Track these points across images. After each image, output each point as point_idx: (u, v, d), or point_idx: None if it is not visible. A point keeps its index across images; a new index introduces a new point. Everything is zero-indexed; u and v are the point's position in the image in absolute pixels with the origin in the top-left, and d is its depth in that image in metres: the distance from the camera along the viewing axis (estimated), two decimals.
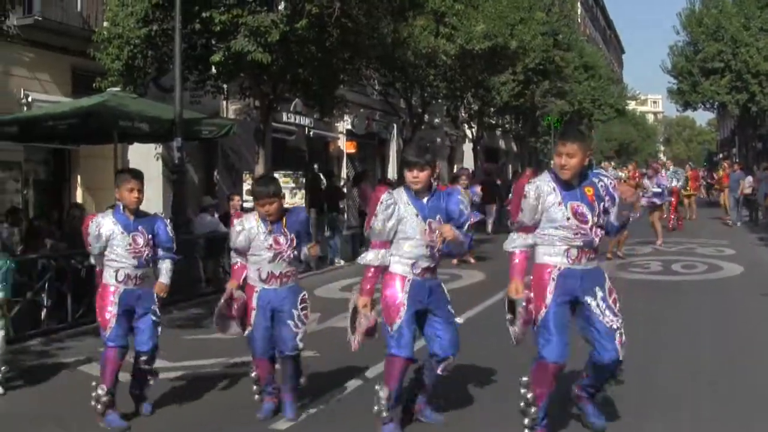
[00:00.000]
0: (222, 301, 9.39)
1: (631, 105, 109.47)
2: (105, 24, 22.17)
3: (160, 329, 9.78)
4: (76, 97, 21.90)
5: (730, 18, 55.72)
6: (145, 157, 24.44)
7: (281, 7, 21.29)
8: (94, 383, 9.22)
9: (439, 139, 51.75)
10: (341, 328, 13.90)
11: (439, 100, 40.58)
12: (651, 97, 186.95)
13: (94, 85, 21.16)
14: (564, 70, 50.18)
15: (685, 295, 17.38)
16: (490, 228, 32.43)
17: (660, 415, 8.93)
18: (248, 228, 9.16)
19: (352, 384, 10.35)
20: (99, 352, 12.45)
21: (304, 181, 25.02)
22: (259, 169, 23.29)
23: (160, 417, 9.44)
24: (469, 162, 51.00)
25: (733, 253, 24.71)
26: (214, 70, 22.29)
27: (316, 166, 31.89)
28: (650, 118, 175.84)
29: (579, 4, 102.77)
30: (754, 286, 18.42)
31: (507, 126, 60.23)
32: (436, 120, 48.87)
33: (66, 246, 16.81)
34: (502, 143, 64.94)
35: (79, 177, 24.48)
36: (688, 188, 40.66)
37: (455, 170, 44.77)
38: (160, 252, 9.79)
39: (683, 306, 16.17)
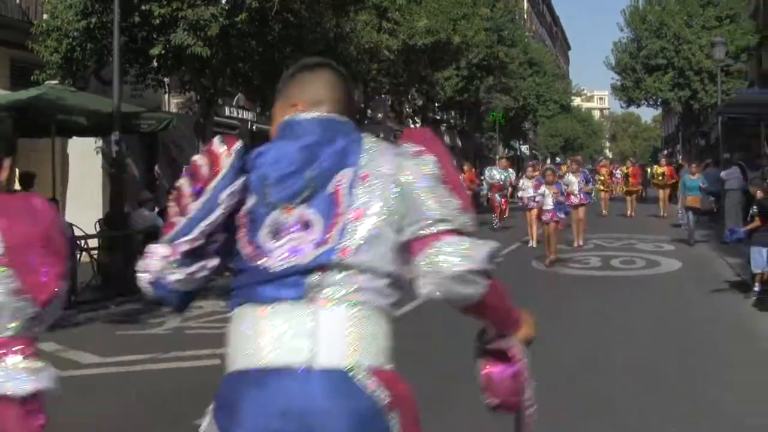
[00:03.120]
0: None
1: (577, 101, 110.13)
2: (45, 16, 22.03)
3: None
4: (15, 90, 21.63)
5: (673, 15, 56.21)
6: (85, 151, 24.29)
7: (224, 0, 21.24)
8: None
9: (382, 134, 51.79)
10: None
11: (382, 95, 40.64)
12: (597, 94, 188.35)
13: (32, 77, 20.99)
14: (509, 66, 50.46)
15: (622, 291, 17.55)
16: None
17: (594, 411, 9.00)
18: None
19: None
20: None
21: None
22: None
23: (86, 412, 9.35)
24: None
25: (673, 249, 25.00)
26: (155, 63, 22.21)
27: None
28: (596, 114, 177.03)
29: (525, 0, 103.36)
30: (689, 282, 18.79)
31: (452, 122, 60.41)
32: (379, 115, 48.97)
33: None
34: (447, 139, 65.06)
35: (17, 170, 24.25)
36: (630, 184, 40.96)
37: None
38: None
39: (618, 301, 16.37)
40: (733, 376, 10.36)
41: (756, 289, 15.88)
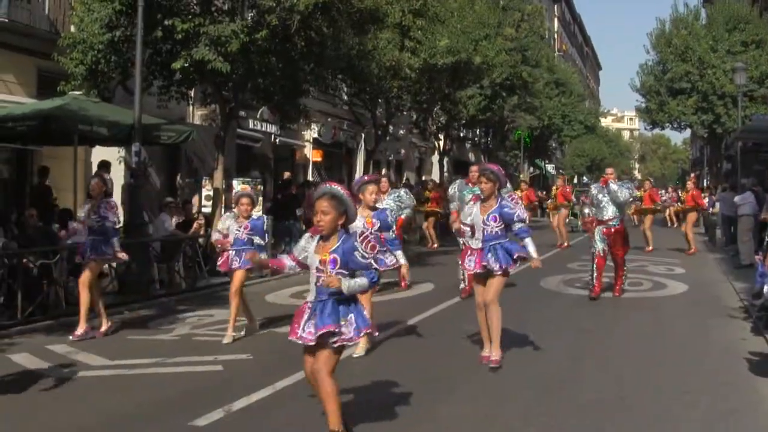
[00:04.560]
0: None
1: (607, 121, 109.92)
2: (72, 28, 22.53)
3: None
4: (41, 99, 22.11)
5: (699, 40, 56.19)
6: (108, 160, 24.74)
7: (249, 17, 21.65)
8: None
9: (403, 150, 52.20)
10: (282, 334, 14.40)
11: (405, 112, 40.95)
12: (628, 115, 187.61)
13: (58, 88, 21.47)
14: (534, 86, 50.69)
15: (620, 311, 17.85)
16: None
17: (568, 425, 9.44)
18: None
19: (279, 385, 10.75)
20: (46, 348, 13.06)
21: (262, 188, 25.33)
22: (218, 175, 23.67)
23: (88, 411, 9.83)
24: (436, 174, 51.48)
25: (683, 272, 25.12)
26: (179, 76, 22.61)
27: (287, 174, 32.19)
28: (626, 134, 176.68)
29: (556, 19, 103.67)
30: (689, 305, 18.99)
31: (476, 139, 60.64)
32: (401, 131, 49.29)
33: (17, 245, 17.11)
34: (471, 156, 65.36)
35: None
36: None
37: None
38: None
39: (613, 320, 16.75)
40: (698, 397, 10.73)
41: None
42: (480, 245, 12.08)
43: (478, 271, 12.07)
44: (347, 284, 7.97)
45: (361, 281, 8.06)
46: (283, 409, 9.68)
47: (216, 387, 10.80)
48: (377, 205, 13.18)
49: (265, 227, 14.83)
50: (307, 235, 8.43)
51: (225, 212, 23.59)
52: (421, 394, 10.33)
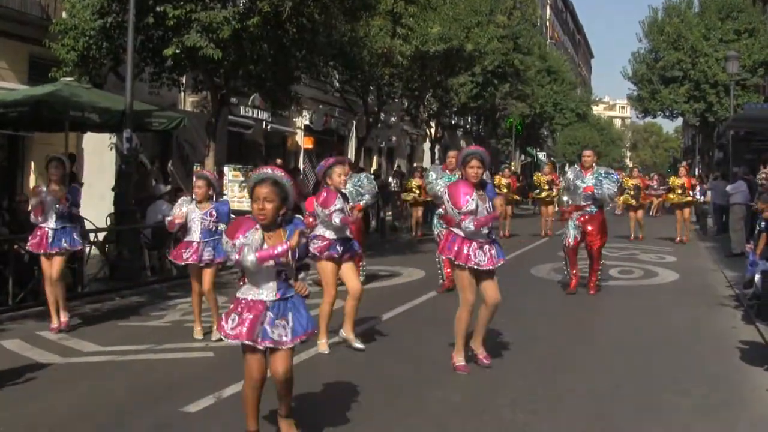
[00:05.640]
0: None
1: (599, 109, 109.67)
2: (63, 14, 22.49)
3: None
4: (33, 85, 22.08)
5: (691, 28, 56.31)
6: (99, 146, 24.72)
7: (241, 3, 21.62)
8: None
9: (394, 138, 52.17)
10: None
11: (396, 100, 40.90)
12: (620, 103, 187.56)
13: (49, 74, 21.44)
14: (526, 73, 50.67)
15: (612, 299, 17.87)
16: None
17: (562, 414, 9.45)
18: None
19: (269, 372, 10.72)
20: (37, 334, 13.03)
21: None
22: (209, 162, 23.63)
23: (79, 397, 9.82)
24: (427, 161, 51.46)
25: (674, 260, 25.16)
26: (170, 62, 22.58)
27: (279, 160, 32.14)
28: (618, 123, 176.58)
29: (548, 7, 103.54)
30: (680, 293, 18.99)
31: (467, 127, 60.61)
32: (392, 119, 49.25)
33: (8, 231, 17.09)
34: (462, 143, 65.30)
35: (32, 163, 24.72)
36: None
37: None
38: None
39: (605, 309, 16.83)
40: (690, 386, 10.74)
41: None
42: (487, 237, 10.87)
43: (498, 266, 10.93)
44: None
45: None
46: (272, 396, 9.64)
47: (207, 373, 10.81)
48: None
49: (230, 214, 13.40)
50: (252, 237, 7.45)
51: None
52: (412, 382, 10.34)
